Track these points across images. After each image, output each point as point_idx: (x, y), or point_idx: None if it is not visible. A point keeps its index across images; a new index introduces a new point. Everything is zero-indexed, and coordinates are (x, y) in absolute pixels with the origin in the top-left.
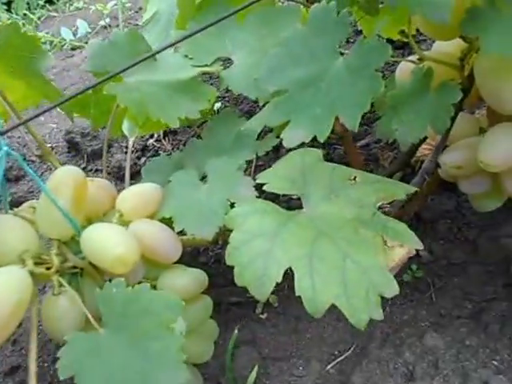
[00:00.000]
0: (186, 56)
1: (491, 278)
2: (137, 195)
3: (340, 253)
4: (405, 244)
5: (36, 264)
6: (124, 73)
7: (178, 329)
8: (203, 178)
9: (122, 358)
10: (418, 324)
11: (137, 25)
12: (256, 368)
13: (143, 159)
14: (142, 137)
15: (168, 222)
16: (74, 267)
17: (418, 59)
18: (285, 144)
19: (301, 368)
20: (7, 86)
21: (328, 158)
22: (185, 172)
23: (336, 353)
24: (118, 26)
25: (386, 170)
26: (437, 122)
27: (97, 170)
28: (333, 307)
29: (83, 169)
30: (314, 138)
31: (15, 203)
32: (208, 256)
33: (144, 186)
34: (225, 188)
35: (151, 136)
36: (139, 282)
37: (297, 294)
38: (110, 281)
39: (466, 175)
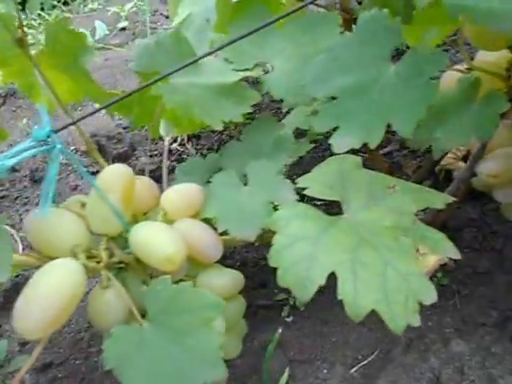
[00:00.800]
0: (227, 60)
1: None
2: (181, 195)
3: (381, 260)
4: (443, 254)
5: (87, 258)
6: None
7: (218, 327)
8: (242, 180)
9: (163, 352)
10: (443, 330)
11: (155, 28)
12: (287, 370)
13: (167, 163)
14: None
15: (206, 222)
16: (120, 262)
17: (467, 69)
18: (334, 150)
19: (325, 371)
20: (53, 80)
21: None
22: (226, 174)
23: (360, 357)
24: (136, 28)
25: (410, 179)
26: (481, 132)
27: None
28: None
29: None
30: None
31: None
32: (234, 259)
33: (187, 185)
34: (266, 191)
35: (175, 140)
36: (180, 280)
37: (339, 298)
38: (151, 276)
39: (501, 185)
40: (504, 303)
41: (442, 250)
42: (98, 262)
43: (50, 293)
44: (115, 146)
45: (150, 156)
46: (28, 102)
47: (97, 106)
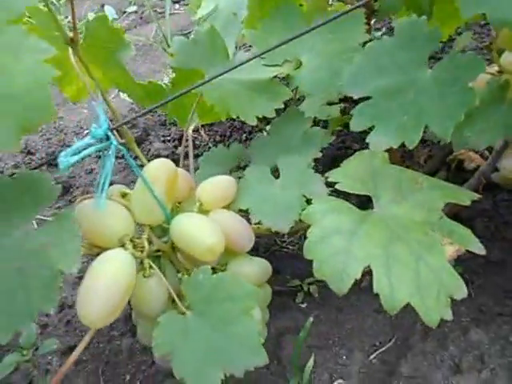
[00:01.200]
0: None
1: None
2: (216, 187)
3: (413, 254)
4: (469, 249)
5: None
6: (205, 70)
7: (256, 315)
8: (272, 173)
9: (207, 340)
10: (459, 319)
11: (162, 12)
12: (313, 356)
13: (180, 148)
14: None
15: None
16: (157, 250)
17: (498, 72)
18: (371, 148)
19: (344, 357)
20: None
21: None
22: (258, 167)
23: (377, 344)
24: (143, 12)
25: (423, 168)
26: (509, 132)
27: (135, 158)
28: (371, 299)
29: (122, 156)
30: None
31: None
32: None
33: (221, 178)
34: (298, 184)
35: None
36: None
37: (375, 292)
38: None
39: None
40: None
41: (468, 245)
42: (141, 251)
43: (108, 286)
44: (130, 131)
45: (163, 141)
46: None
47: (121, 94)
